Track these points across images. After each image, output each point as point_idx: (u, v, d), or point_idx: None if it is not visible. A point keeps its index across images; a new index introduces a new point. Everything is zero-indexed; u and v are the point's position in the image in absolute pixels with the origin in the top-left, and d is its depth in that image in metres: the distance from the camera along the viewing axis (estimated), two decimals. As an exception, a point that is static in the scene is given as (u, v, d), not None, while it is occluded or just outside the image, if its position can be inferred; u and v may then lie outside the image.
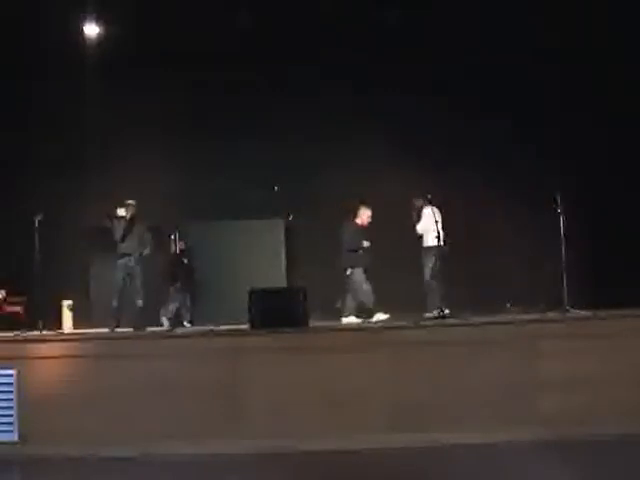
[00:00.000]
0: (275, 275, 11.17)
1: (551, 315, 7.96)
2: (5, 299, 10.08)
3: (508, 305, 10.04)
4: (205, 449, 6.66)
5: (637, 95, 10.46)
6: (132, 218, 9.46)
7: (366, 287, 9.30)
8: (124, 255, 9.36)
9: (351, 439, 6.66)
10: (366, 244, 9.35)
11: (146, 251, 9.44)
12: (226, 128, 11.34)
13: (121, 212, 9.58)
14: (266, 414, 6.82)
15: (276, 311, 7.62)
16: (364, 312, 9.34)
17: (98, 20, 11.34)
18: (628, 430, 6.56)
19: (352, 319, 9.26)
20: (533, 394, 6.82)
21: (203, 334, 7.82)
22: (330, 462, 6.38)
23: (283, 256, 11.72)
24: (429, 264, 9.26)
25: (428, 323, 7.77)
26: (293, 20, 11.03)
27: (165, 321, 10.38)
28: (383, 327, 7.47)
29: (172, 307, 10.54)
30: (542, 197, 8.98)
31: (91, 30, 11.40)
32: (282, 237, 11.71)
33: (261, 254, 11.34)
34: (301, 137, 11.32)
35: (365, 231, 9.51)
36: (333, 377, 6.87)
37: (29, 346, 7.24)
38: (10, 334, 7.97)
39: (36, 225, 8.59)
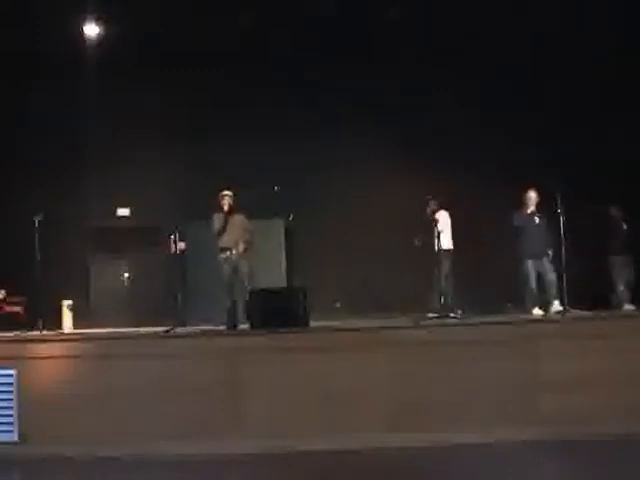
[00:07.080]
0: (275, 275, 11.16)
1: (551, 315, 7.96)
2: (5, 299, 10.08)
3: (508, 305, 10.05)
4: (205, 449, 6.65)
5: (637, 94, 10.47)
6: (230, 210, 9.04)
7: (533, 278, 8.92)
8: (224, 249, 8.98)
9: (351, 439, 6.65)
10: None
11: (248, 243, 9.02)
12: (226, 128, 11.34)
13: (122, 212, 9.47)
14: (266, 414, 6.81)
15: (276, 311, 7.62)
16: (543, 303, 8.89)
17: (98, 20, 11.34)
18: (628, 430, 6.55)
19: (536, 311, 8.77)
20: (533, 394, 6.81)
21: (203, 334, 7.82)
22: (330, 462, 6.38)
23: (283, 256, 11.72)
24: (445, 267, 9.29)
25: (428, 323, 7.77)
26: (293, 20, 11.04)
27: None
28: (383, 327, 7.45)
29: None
30: (542, 197, 8.99)
31: (91, 30, 11.40)
32: (282, 237, 11.71)
33: (261, 254, 11.33)
34: (301, 137, 11.33)
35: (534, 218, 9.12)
36: (333, 377, 6.86)
37: (29, 346, 7.22)
38: (10, 334, 7.97)
39: (36, 225, 8.58)
